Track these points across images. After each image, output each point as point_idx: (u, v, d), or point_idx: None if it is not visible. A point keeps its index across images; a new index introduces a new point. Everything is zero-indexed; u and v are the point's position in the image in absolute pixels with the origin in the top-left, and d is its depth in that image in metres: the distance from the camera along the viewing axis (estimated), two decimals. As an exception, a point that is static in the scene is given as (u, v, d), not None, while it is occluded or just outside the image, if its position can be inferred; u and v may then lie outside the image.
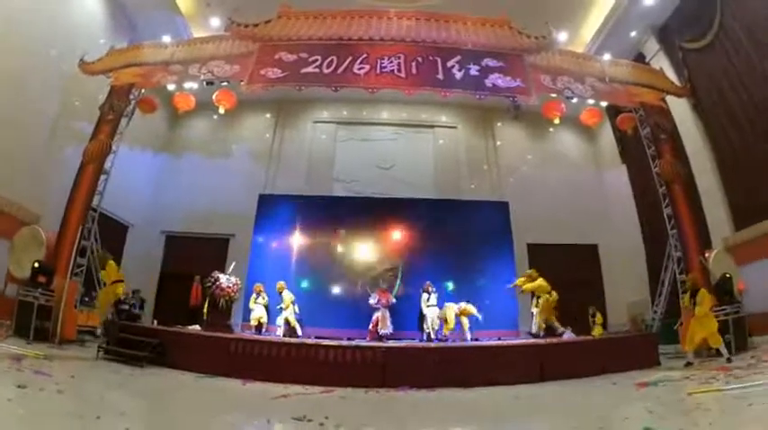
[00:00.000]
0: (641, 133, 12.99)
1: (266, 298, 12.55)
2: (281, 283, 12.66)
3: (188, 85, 12.73)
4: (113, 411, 4.65)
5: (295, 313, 12.32)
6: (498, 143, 19.16)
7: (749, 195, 11.97)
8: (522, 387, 6.93)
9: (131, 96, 12.42)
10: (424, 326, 12.15)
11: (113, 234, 15.28)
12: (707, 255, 11.15)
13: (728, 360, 8.31)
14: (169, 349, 8.43)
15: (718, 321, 9.67)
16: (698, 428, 4.18)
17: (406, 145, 18.84)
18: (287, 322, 12.11)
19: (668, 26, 14.39)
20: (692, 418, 4.62)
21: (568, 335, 12.89)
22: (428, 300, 12.34)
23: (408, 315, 12.98)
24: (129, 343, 8.52)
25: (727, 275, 10.37)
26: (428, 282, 12.64)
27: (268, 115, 19.18)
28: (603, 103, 13.36)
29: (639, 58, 15.00)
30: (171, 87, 12.88)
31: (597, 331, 13.40)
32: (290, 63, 12.24)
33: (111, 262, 10.93)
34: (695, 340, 8.83)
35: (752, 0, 11.44)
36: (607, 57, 13.59)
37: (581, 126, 17.76)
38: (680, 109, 13.64)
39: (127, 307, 13.21)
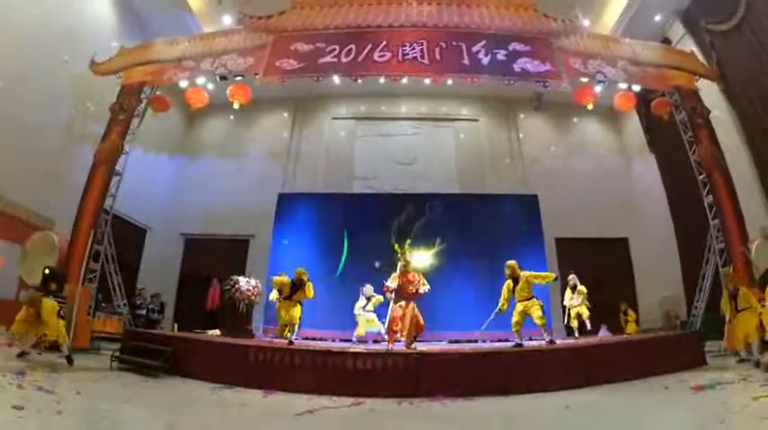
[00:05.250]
0: (677, 118, 12.34)
1: None
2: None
3: (201, 80, 12.33)
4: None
5: None
6: (521, 135, 18.60)
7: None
8: (568, 394, 6.29)
9: (143, 95, 12.12)
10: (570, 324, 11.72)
11: (132, 238, 15.20)
12: (749, 245, 10.51)
13: (757, 363, 7.86)
14: (185, 357, 7.95)
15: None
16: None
17: (426, 139, 18.37)
18: None
19: (693, 8, 13.71)
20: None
21: (604, 333, 12.34)
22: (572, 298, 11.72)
23: (441, 314, 12.53)
24: (144, 351, 8.08)
25: (773, 266, 9.68)
26: (573, 276, 11.88)
27: (285, 114, 18.85)
28: (635, 88, 12.68)
29: (665, 43, 14.29)
30: (183, 84, 12.47)
31: (631, 328, 12.83)
32: (306, 53, 11.88)
33: None
34: (739, 337, 8.45)
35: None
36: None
37: (605, 115, 17.31)
38: (710, 94, 12.84)
39: (144, 311, 12.93)
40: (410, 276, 8.48)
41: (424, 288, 8.50)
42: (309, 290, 9.20)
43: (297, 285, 9.13)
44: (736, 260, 10.58)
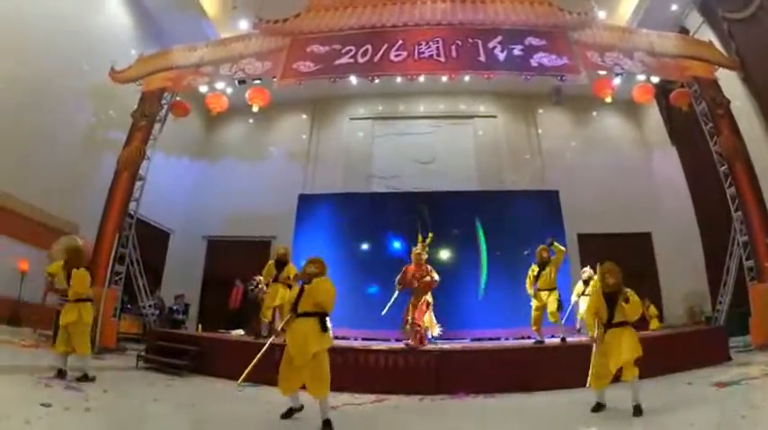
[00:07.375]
0: (696, 109, 12.10)
1: None
2: None
3: (220, 85, 12.51)
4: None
5: None
6: (540, 130, 18.37)
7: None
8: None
9: (163, 101, 12.30)
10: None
11: (155, 241, 15.40)
12: (772, 239, 10.29)
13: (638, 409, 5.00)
14: (210, 356, 8.07)
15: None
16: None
17: (445, 138, 18.22)
18: None
19: (710, -4, 13.32)
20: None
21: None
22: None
23: (463, 312, 12.55)
24: (169, 351, 8.22)
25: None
26: (587, 269, 10.79)
27: (303, 115, 18.93)
28: (654, 79, 12.51)
29: (683, 33, 14.00)
30: (203, 89, 12.65)
31: (654, 324, 12.65)
32: (322, 55, 11.94)
33: None
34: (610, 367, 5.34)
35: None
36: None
37: (625, 107, 17.03)
38: (731, 84, 12.44)
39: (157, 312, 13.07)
40: (415, 269, 8.63)
41: (429, 278, 8.49)
42: (291, 269, 9.08)
43: (281, 264, 9.18)
44: (759, 253, 10.29)
